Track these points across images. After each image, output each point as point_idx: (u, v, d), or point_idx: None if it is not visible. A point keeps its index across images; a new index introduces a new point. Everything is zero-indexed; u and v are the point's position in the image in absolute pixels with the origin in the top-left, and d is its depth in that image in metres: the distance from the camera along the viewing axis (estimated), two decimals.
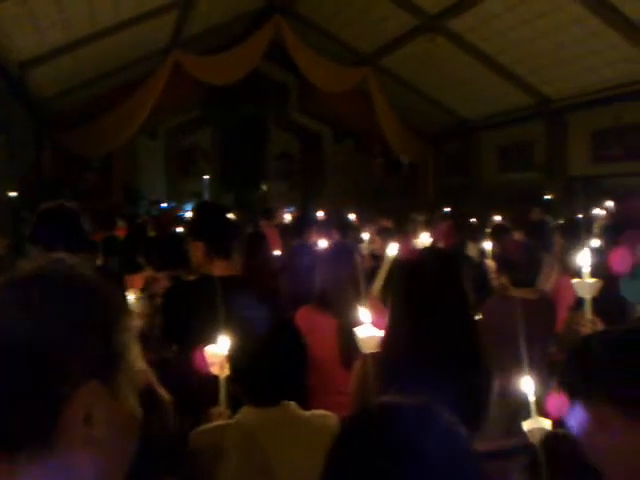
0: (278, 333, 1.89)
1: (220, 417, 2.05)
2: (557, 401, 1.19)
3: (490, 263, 4.34)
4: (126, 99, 10.93)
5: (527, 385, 1.80)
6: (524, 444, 1.60)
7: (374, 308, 2.13)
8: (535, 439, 1.61)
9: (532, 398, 1.76)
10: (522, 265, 3.20)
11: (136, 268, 4.17)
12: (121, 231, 7.20)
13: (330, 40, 12.33)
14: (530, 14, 8.98)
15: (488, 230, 5.77)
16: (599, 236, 4.88)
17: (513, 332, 3.03)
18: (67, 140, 11.26)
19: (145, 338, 2.75)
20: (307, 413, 1.82)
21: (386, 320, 1.94)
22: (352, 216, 8.10)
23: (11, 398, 0.72)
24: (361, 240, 5.56)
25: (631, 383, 1.14)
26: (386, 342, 1.92)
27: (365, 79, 12.38)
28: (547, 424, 1.68)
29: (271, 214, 8.91)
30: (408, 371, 1.74)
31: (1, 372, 0.72)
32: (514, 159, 12.96)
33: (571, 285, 2.48)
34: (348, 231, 6.24)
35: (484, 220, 7.62)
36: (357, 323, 2.12)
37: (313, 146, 17.61)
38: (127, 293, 2.72)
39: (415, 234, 5.16)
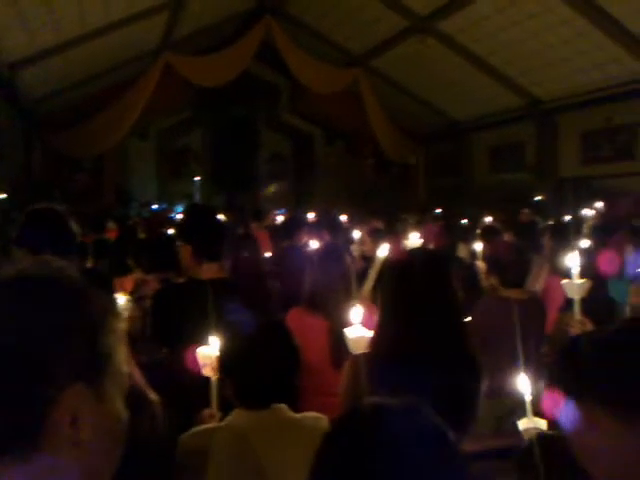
0: (269, 335, 1.88)
1: (211, 419, 2.04)
2: (551, 401, 1.20)
3: (480, 264, 4.35)
4: (117, 100, 10.90)
5: (521, 385, 1.81)
6: (513, 444, 1.61)
7: (364, 309, 2.13)
8: (529, 438, 1.61)
9: (528, 398, 1.77)
10: (511, 266, 3.21)
11: (126, 270, 4.15)
12: (112, 233, 7.17)
13: (321, 41, 12.34)
14: (520, 15, 9.03)
15: (479, 231, 5.79)
16: (588, 237, 4.91)
17: (503, 332, 3.05)
18: (57, 141, 11.21)
19: (135, 340, 2.74)
20: (298, 415, 1.82)
21: (376, 321, 1.94)
22: (343, 217, 8.11)
23: None
24: (352, 241, 5.56)
25: (620, 384, 1.14)
26: (375, 342, 1.92)
27: (356, 80, 12.40)
28: (542, 424, 1.69)
29: (262, 216, 8.91)
30: (397, 371, 1.74)
31: None
32: (505, 160, 13.02)
33: (561, 286, 2.50)
34: (339, 232, 6.24)
35: (475, 221, 7.65)
36: (348, 324, 2.12)
37: (304, 147, 17.63)
38: (116, 295, 2.71)
39: (406, 235, 5.17)
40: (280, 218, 8.76)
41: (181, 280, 2.99)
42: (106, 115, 10.97)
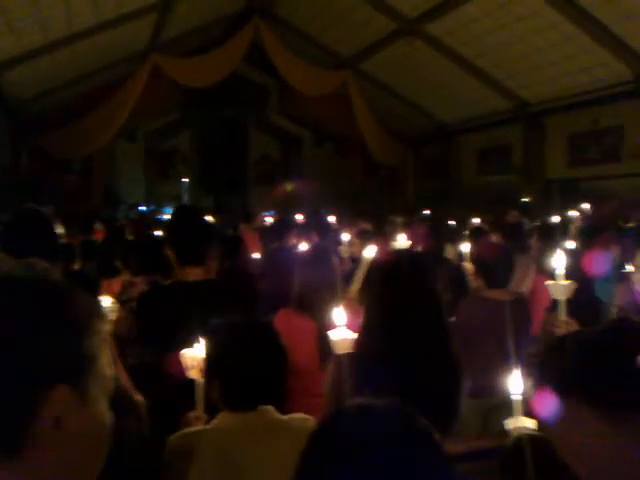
0: (256, 336, 1.87)
1: (197, 421, 2.03)
2: (539, 400, 1.21)
3: (468, 265, 4.37)
4: (105, 101, 10.85)
5: (509, 385, 1.82)
6: (498, 445, 1.61)
7: (351, 310, 2.13)
8: (512, 440, 1.62)
9: (516, 398, 1.78)
10: (495, 267, 3.23)
11: (114, 272, 4.13)
12: (99, 234, 7.13)
13: (310, 43, 12.36)
14: (508, 19, 9.09)
15: (466, 232, 5.82)
16: (575, 238, 4.94)
17: (487, 333, 3.07)
18: (45, 142, 11.14)
19: (122, 342, 2.72)
20: (285, 417, 1.81)
21: (360, 321, 1.95)
22: (332, 219, 8.12)
23: None
24: (340, 243, 5.57)
25: (605, 385, 1.16)
26: (360, 343, 1.92)
27: (345, 83, 12.42)
28: (531, 424, 1.69)
29: (251, 217, 8.90)
30: (380, 372, 1.75)
31: None
32: (492, 162, 13.09)
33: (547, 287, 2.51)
34: (328, 234, 6.25)
35: (463, 222, 7.68)
36: (334, 326, 2.12)
37: (293, 149, 17.62)
38: (102, 297, 2.70)
39: (394, 237, 5.19)
40: (269, 220, 8.74)
41: (168, 282, 2.98)
42: (94, 116, 10.92)
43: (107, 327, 0.87)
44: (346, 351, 1.93)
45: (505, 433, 1.74)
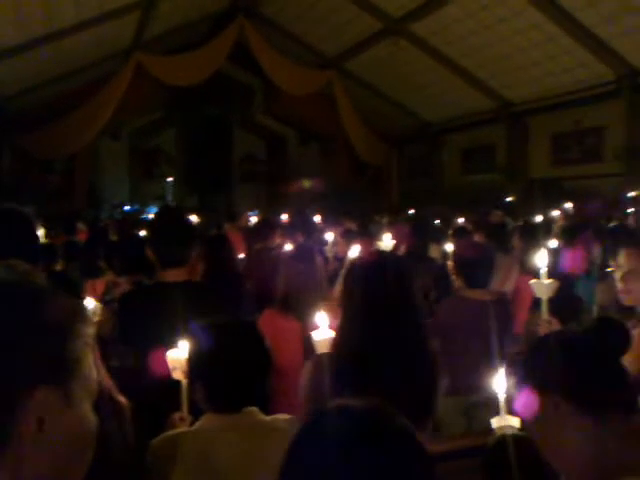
0: (241, 337, 1.87)
1: (182, 423, 2.03)
2: (523, 399, 1.23)
3: (451, 264, 4.39)
4: (88, 100, 10.76)
5: (493, 383, 1.83)
6: (480, 444, 1.63)
7: (335, 310, 2.14)
8: (493, 439, 1.64)
9: (501, 396, 1.79)
10: (475, 266, 3.24)
11: (97, 273, 4.10)
12: (82, 235, 7.07)
13: (295, 42, 12.35)
14: (491, 19, 9.16)
15: (450, 232, 5.84)
16: (558, 237, 4.99)
17: (466, 332, 3.09)
18: (27, 142, 11.03)
19: (105, 344, 2.71)
20: (269, 418, 1.81)
21: (338, 321, 1.95)
22: (317, 218, 8.12)
23: None
24: (325, 242, 5.57)
25: (587, 384, 1.18)
26: (337, 342, 1.93)
27: (329, 82, 12.43)
28: (515, 422, 1.71)
29: (235, 217, 8.87)
30: (356, 371, 1.75)
31: None
32: (476, 162, 13.18)
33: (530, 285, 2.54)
34: (312, 233, 6.25)
35: (448, 222, 7.72)
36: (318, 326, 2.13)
37: (278, 148, 17.60)
38: (85, 299, 2.67)
39: (379, 236, 5.20)
40: (253, 219, 8.72)
41: (150, 283, 2.96)
42: (77, 115, 10.83)
43: (91, 330, 0.86)
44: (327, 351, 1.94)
45: (489, 431, 1.75)
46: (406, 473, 0.85)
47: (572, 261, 4.31)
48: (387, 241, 4.38)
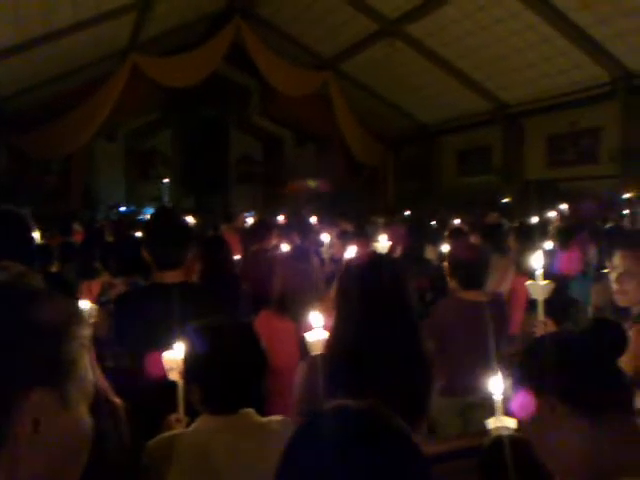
0: (237, 339, 1.86)
1: (178, 424, 2.02)
2: (518, 400, 1.23)
3: (447, 266, 4.39)
4: (84, 100, 10.74)
5: (490, 384, 1.83)
6: (476, 445, 1.63)
7: (331, 311, 2.14)
8: (489, 440, 1.64)
9: (498, 397, 1.80)
10: (470, 268, 3.25)
11: (93, 274, 4.10)
12: (78, 236, 7.05)
13: (291, 43, 12.36)
14: (487, 20, 9.18)
15: (447, 233, 5.85)
16: (553, 238, 5.00)
17: (461, 333, 3.09)
18: (24, 142, 11.00)
19: (101, 345, 2.70)
20: (265, 420, 1.81)
21: (332, 322, 1.95)
22: (313, 219, 8.12)
23: None
24: (321, 244, 5.57)
25: (583, 385, 1.18)
26: (332, 343, 1.93)
27: (326, 83, 12.44)
28: (511, 423, 1.71)
29: (232, 218, 8.87)
30: (352, 371, 1.75)
31: None
32: (472, 163, 13.21)
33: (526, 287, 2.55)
34: (309, 235, 6.25)
35: (444, 223, 7.73)
36: (313, 327, 2.13)
37: (274, 149, 17.59)
38: (81, 300, 2.67)
39: (375, 237, 5.20)
40: (249, 220, 8.72)
41: (146, 284, 2.96)
42: (74, 115, 10.81)
43: (87, 331, 0.86)
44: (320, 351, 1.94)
45: (485, 433, 1.76)
46: (402, 474, 0.85)
47: (568, 262, 4.32)
48: (383, 242, 4.38)
